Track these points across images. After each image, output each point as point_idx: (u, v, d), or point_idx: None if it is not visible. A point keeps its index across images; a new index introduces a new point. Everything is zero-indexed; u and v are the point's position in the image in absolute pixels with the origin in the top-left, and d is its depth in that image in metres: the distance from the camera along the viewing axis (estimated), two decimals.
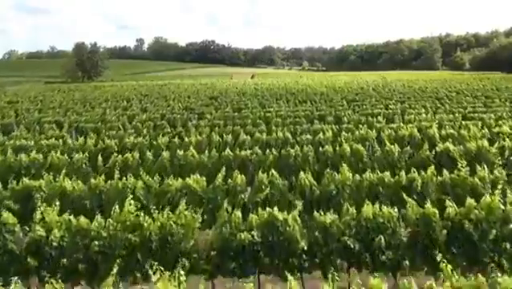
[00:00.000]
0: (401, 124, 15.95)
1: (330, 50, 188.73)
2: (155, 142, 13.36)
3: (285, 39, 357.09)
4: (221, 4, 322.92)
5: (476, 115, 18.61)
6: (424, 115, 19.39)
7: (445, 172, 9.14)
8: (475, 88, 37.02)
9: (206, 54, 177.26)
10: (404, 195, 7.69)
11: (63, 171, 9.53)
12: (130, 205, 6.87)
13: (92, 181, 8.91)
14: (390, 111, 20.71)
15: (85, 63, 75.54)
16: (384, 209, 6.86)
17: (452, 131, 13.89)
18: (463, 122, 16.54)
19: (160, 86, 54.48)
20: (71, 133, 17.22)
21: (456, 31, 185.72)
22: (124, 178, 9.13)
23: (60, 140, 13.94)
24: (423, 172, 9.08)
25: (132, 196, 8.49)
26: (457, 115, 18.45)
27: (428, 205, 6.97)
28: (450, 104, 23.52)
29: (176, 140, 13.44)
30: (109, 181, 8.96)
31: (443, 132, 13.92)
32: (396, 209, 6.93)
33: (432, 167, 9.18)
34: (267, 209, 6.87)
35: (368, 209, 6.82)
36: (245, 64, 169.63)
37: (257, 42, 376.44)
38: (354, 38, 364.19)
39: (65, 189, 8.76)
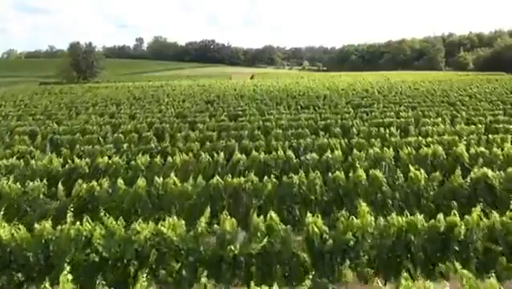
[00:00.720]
0: (419, 138, 13.88)
1: (330, 50, 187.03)
2: (133, 162, 11.30)
3: (285, 39, 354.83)
4: (222, 3, 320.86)
5: (500, 126, 16.54)
6: (441, 125, 17.36)
7: (495, 214, 7.09)
8: (487, 91, 34.98)
9: (206, 54, 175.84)
10: (458, 264, 5.60)
11: (1, 212, 7.46)
12: (67, 274, 4.83)
13: (36, 226, 6.86)
14: (402, 120, 18.64)
15: (80, 63, 73.44)
16: (429, 285, 4.82)
17: (482, 149, 11.83)
18: (489, 136, 14.47)
19: (156, 87, 52.47)
20: (44, 147, 15.18)
21: (458, 31, 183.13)
22: (83, 220, 7.09)
23: (22, 160, 11.88)
24: (466, 216, 7.02)
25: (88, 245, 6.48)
26: (479, 126, 16.38)
27: (493, 279, 4.92)
28: (467, 111, 21.45)
29: (158, 159, 11.37)
30: (59, 227, 6.92)
31: (472, 150, 11.86)
32: (447, 286, 4.89)
33: (478, 208, 7.12)
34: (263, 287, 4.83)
35: (407, 286, 4.77)
36: (245, 64, 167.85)
37: (257, 41, 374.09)
38: (355, 37, 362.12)
39: (0, 237, 6.72)
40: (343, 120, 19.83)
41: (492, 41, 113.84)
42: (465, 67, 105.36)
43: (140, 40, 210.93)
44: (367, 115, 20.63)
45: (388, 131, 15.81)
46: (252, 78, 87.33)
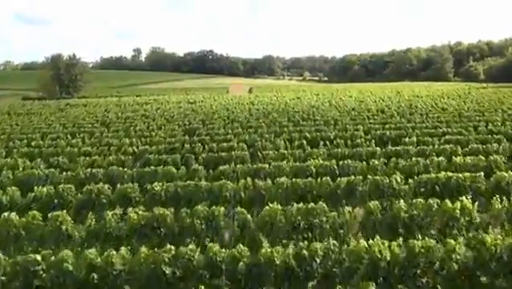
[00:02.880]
0: None
1: (331, 60, 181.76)
2: None
3: (285, 48, 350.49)
4: (221, 13, 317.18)
5: None
6: None
7: None
8: None
9: (204, 64, 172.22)
10: None
11: None
12: None
13: None
14: (466, 175, 12.21)
15: (62, 76, 67.35)
16: None
17: None
18: None
19: (140, 105, 46.51)
20: None
21: (466, 39, 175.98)
22: None
23: None
24: None
25: None
26: None
27: None
28: None
29: None
30: None
31: None
32: None
33: None
34: None
35: None
36: (244, 74, 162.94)
37: (256, 51, 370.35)
38: (356, 47, 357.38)
39: None
40: (373, 171, 13.55)
41: (503, 50, 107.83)
42: (476, 77, 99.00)
43: (137, 51, 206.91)
44: (406, 161, 14.24)
45: (458, 206, 9.45)
46: (250, 91, 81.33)
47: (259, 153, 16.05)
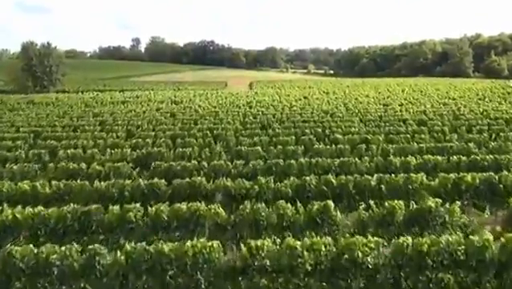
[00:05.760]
0: None
1: (336, 52, 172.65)
2: None
3: (288, 40, 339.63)
4: (224, 4, 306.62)
5: None
6: None
7: None
8: None
9: (205, 56, 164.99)
10: None
11: None
12: None
13: None
14: None
15: (35, 68, 58.76)
16: None
17: None
18: None
19: (115, 104, 38.39)
20: None
21: (485, 32, 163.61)
22: None
23: None
24: None
25: None
26: None
27: None
28: None
29: None
30: None
31: None
32: None
33: None
34: None
35: None
36: (246, 66, 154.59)
37: (259, 42, 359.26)
38: (363, 38, 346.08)
39: None
40: None
41: None
42: (500, 73, 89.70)
43: (136, 40, 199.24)
44: None
45: None
46: (250, 86, 72.68)
47: (243, 246, 7.68)
